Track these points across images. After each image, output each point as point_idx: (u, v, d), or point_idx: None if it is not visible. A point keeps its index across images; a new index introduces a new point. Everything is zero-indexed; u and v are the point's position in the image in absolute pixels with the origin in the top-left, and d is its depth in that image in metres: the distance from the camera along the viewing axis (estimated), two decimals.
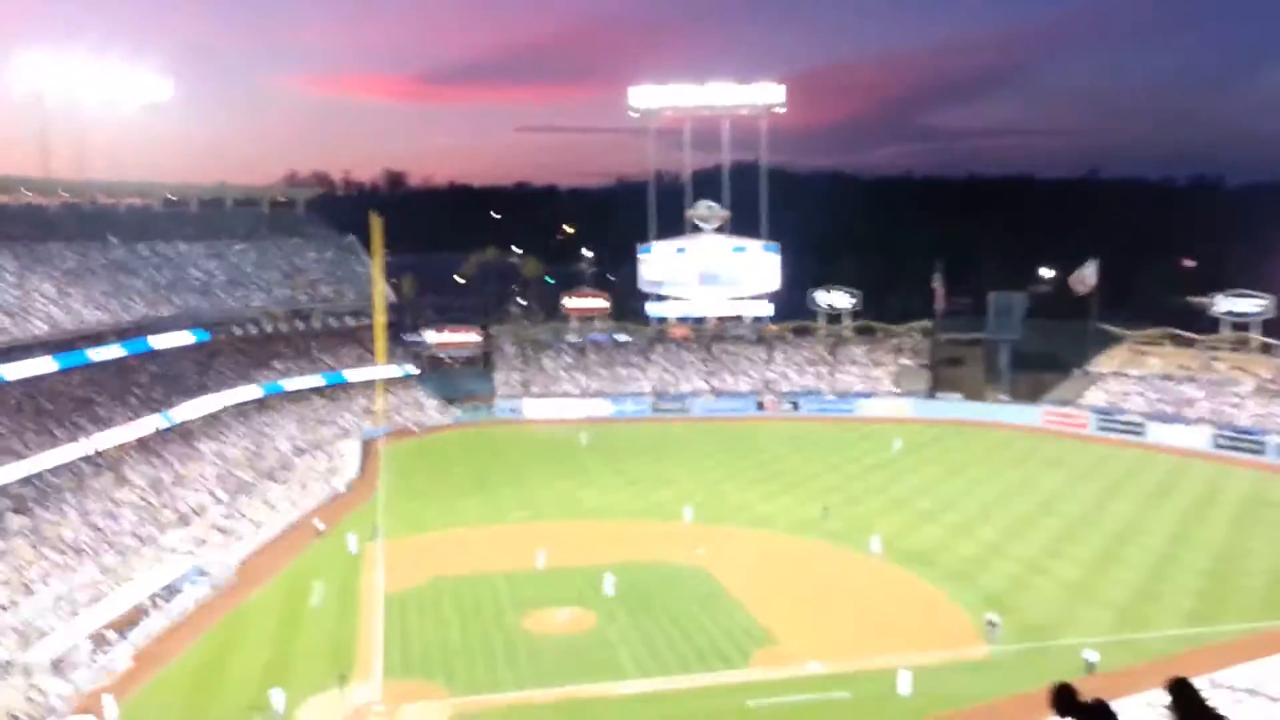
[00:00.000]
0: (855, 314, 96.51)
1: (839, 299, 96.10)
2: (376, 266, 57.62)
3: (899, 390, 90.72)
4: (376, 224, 49.95)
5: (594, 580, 44.73)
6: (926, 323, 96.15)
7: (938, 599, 43.89)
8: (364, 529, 52.30)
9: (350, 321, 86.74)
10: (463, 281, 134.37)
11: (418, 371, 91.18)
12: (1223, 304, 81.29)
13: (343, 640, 40.62)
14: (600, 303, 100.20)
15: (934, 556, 49.36)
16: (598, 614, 42.35)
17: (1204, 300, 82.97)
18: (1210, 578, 46.18)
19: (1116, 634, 39.12)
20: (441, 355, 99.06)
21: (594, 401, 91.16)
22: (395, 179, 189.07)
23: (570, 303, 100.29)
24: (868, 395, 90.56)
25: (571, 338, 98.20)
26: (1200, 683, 25.56)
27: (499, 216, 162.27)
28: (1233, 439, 73.05)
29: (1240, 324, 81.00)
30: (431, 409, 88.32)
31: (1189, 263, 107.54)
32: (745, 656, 38.31)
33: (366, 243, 65.66)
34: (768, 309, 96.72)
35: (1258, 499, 60.19)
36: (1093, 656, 36.27)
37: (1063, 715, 5.50)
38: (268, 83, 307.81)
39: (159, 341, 66.04)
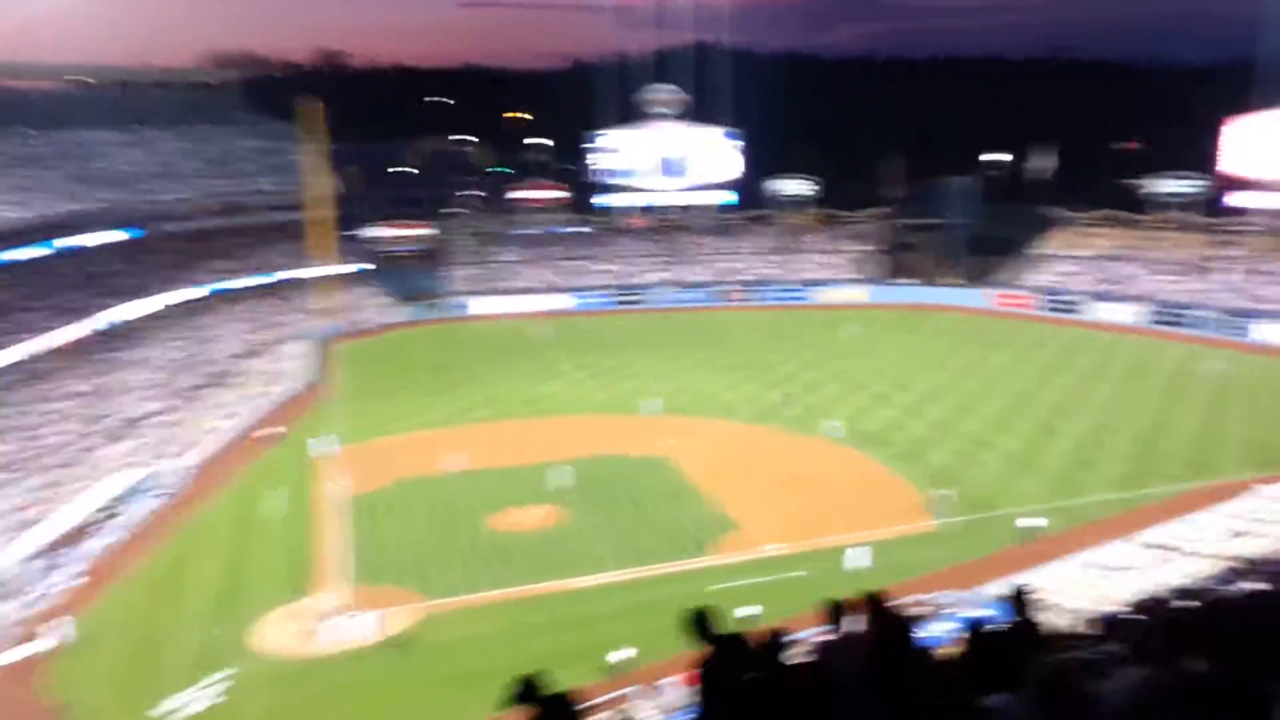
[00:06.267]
0: (815, 201, 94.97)
1: (799, 187, 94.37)
2: (318, 156, 54.57)
3: (857, 277, 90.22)
4: (315, 110, 46.85)
5: (558, 476, 44.28)
6: (884, 209, 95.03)
7: (891, 478, 45.23)
8: (323, 432, 50.89)
9: (293, 216, 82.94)
10: (411, 171, 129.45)
11: (368, 268, 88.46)
12: (1163, 186, 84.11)
13: (305, 547, 39.64)
14: (558, 193, 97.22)
15: (887, 437, 50.99)
16: (563, 509, 41.92)
17: (1144, 182, 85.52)
18: (1140, 444, 48.70)
19: (1053, 501, 41.10)
20: (392, 251, 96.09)
21: (556, 296, 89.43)
22: (331, 59, 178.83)
23: (527, 194, 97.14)
24: (826, 283, 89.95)
25: (530, 230, 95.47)
26: (1128, 545, 27.37)
27: (446, 101, 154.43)
28: (1169, 315, 76.19)
29: (1182, 204, 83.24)
30: (384, 306, 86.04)
31: (1134, 145, 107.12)
32: (708, 543, 38.53)
33: (304, 129, 61.90)
34: (730, 197, 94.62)
35: (1185, 371, 63.65)
36: (1040, 523, 37.87)
37: (701, 639, 4.73)
38: None
39: (88, 240, 62.72)
